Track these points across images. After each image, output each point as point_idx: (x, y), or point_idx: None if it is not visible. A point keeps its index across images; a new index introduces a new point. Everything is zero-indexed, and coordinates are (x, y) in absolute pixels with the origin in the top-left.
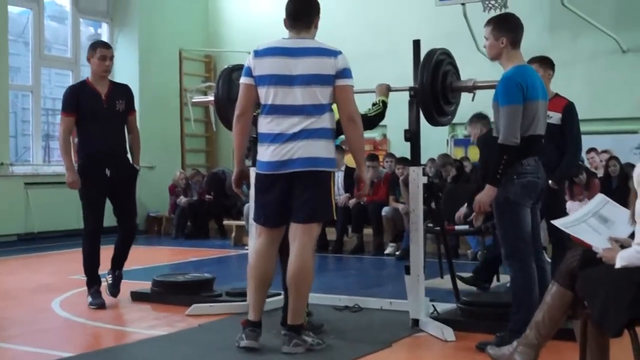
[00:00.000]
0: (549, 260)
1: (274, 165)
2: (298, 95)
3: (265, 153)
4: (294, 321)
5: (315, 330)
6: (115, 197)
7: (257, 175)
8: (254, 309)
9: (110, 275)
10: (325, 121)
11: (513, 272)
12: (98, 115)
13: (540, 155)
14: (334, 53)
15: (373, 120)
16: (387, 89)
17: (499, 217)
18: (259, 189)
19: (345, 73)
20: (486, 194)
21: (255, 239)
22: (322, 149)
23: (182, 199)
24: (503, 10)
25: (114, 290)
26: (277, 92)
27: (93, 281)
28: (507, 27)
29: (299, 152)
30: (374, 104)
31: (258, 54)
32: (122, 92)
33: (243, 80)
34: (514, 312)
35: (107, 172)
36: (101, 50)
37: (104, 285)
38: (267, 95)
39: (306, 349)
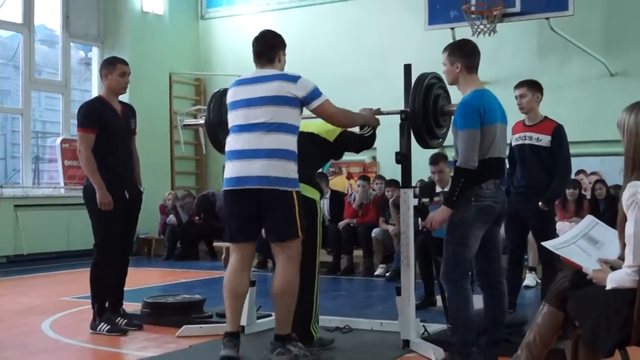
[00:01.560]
0: (539, 280)
1: (233, 182)
2: (256, 115)
3: (227, 170)
4: (280, 331)
5: (326, 346)
6: (125, 218)
7: (223, 193)
8: (229, 320)
9: (119, 319)
10: (282, 142)
11: (447, 292)
12: (114, 133)
13: (501, 178)
14: (292, 78)
15: (367, 140)
16: (372, 115)
17: (448, 235)
18: (225, 205)
19: (313, 94)
20: (440, 214)
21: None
22: (278, 168)
23: (172, 218)
24: (492, 35)
25: (134, 322)
26: (239, 114)
27: (104, 308)
28: (461, 53)
29: (256, 171)
30: (361, 129)
31: (231, 86)
32: (132, 111)
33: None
34: (452, 333)
35: (126, 193)
36: (121, 67)
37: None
38: (232, 117)
39: (290, 358)
